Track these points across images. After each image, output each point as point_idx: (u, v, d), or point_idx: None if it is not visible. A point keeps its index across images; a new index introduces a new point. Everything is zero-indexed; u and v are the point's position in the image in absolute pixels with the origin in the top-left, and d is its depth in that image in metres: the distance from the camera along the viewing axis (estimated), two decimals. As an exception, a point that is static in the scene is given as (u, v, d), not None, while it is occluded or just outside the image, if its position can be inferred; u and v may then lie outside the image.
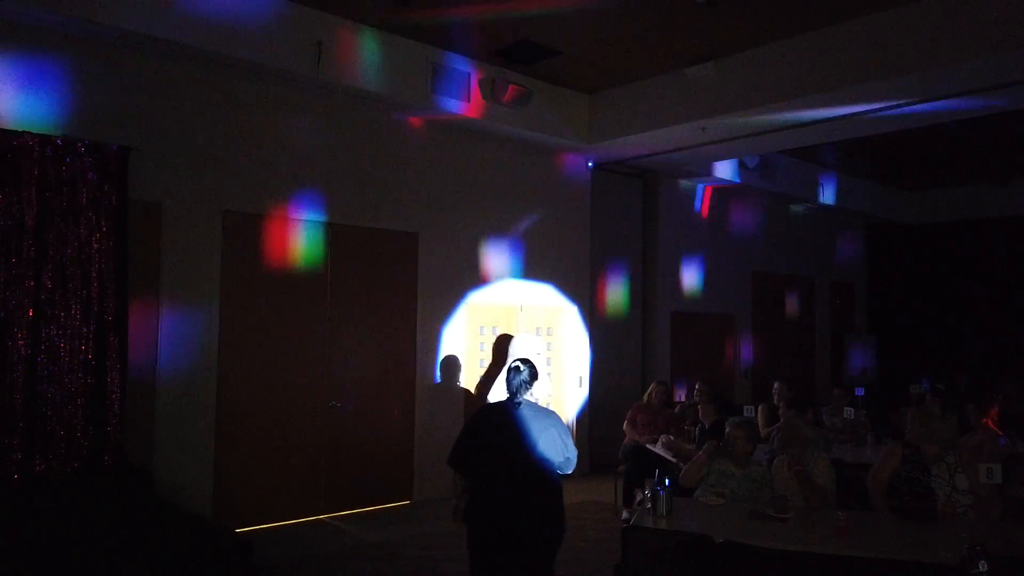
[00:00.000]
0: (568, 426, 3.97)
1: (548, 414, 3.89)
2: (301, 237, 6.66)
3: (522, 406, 3.84)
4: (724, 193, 10.83)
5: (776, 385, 7.56)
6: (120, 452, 5.42)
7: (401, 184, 7.33)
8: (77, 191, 5.31)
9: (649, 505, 4.15)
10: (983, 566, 2.80)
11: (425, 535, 6.28)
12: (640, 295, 9.99)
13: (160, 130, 5.87)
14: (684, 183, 10.25)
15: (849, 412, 7.17)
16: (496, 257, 8.07)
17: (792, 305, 12.25)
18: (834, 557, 3.58)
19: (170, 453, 5.85)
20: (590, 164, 9.07)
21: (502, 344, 7.97)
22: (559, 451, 3.76)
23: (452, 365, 7.63)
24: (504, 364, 7.20)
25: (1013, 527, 4.05)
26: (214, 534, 4.78)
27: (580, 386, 8.79)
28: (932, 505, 4.14)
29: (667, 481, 4.19)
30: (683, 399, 8.99)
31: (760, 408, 7.33)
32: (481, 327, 7.95)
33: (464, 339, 7.77)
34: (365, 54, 6.52)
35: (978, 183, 12.59)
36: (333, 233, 6.86)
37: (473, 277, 7.88)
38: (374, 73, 6.58)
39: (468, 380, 7.77)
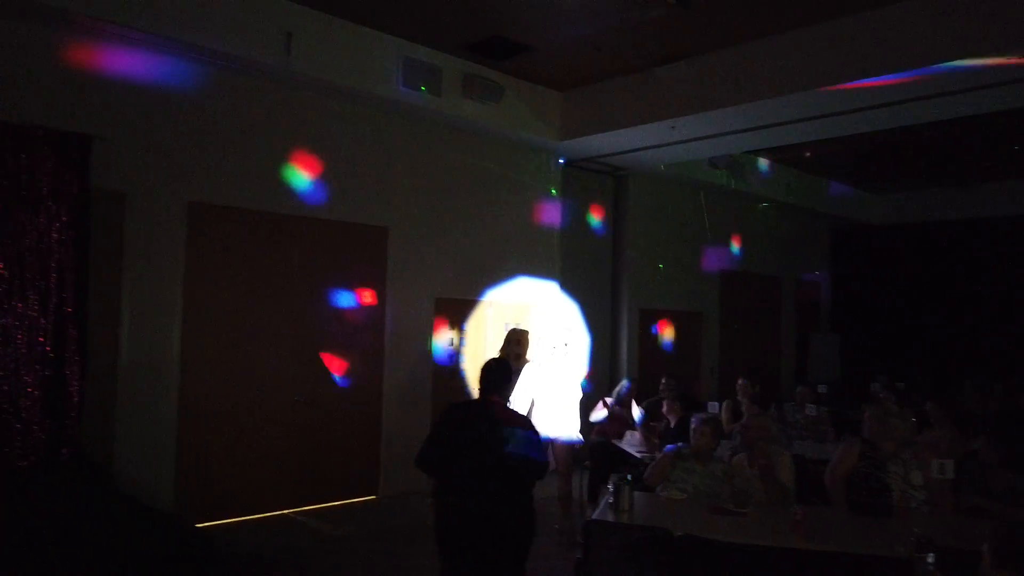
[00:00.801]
0: (538, 431, 3.94)
1: (519, 417, 3.86)
2: (268, 229, 6.58)
3: (493, 406, 3.81)
4: (693, 192, 10.92)
5: (740, 382, 7.64)
6: (78, 446, 5.32)
7: (371, 177, 7.28)
8: (36, 180, 5.19)
9: (611, 500, 4.18)
10: (931, 559, 2.87)
11: (390, 530, 6.27)
12: (609, 292, 10.06)
13: (124, 119, 5.77)
14: (653, 181, 10.32)
15: (811, 409, 7.28)
16: (466, 253, 8.06)
17: (759, 303, 12.41)
18: (790, 551, 3.65)
19: (131, 447, 5.77)
20: (561, 161, 9.09)
21: (512, 340, 7.80)
22: (527, 454, 3.69)
23: (421, 361, 7.61)
24: (520, 360, 7.07)
25: (963, 522, 4.16)
26: (174, 528, 4.74)
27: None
28: (888, 500, 4.23)
29: (629, 477, 4.23)
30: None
31: (725, 404, 7.43)
32: (450, 322, 7.93)
33: (433, 335, 7.75)
34: (335, 46, 6.46)
35: (941, 186, 12.86)
36: (301, 226, 6.79)
37: (443, 272, 7.86)
38: (344, 65, 6.53)
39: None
